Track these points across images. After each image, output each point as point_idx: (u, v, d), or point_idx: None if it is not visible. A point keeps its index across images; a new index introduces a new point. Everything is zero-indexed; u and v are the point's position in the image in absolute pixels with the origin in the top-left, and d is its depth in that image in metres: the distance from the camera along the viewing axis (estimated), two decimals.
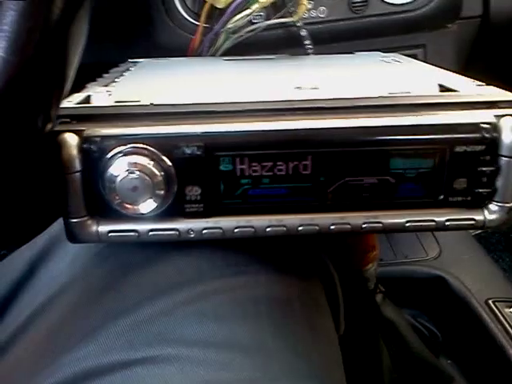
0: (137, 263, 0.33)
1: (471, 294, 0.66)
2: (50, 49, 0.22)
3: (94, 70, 0.37)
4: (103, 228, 0.29)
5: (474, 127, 0.29)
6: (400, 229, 0.31)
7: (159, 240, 0.30)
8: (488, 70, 0.60)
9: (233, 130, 0.28)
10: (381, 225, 0.30)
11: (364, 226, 0.30)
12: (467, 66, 0.57)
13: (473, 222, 0.31)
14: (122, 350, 0.29)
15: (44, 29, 0.21)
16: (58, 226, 0.36)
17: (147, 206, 0.28)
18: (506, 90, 0.32)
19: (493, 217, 0.31)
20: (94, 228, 0.29)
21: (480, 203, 0.30)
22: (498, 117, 0.29)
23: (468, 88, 0.32)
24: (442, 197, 0.30)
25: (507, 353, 0.59)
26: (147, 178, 0.27)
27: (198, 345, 0.29)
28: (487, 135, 0.29)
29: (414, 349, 0.59)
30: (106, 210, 0.29)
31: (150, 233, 0.30)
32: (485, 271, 0.72)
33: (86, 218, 0.29)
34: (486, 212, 0.31)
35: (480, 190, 0.30)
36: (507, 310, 0.64)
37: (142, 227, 0.29)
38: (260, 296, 0.33)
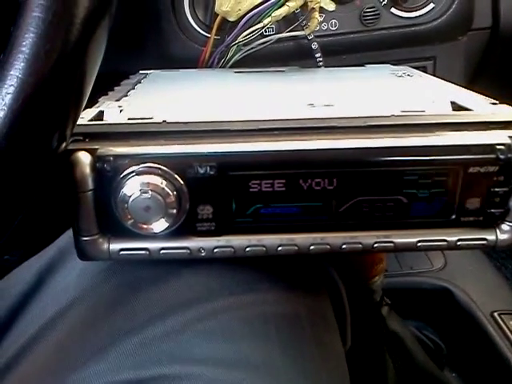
0: (146, 279, 0.33)
1: (477, 306, 0.65)
2: (67, 69, 0.22)
3: (105, 80, 0.37)
4: (114, 246, 0.29)
5: (489, 148, 0.29)
6: (411, 248, 0.31)
7: (170, 258, 0.30)
8: (497, 82, 0.59)
9: (246, 149, 0.28)
10: (392, 244, 0.30)
11: (375, 245, 0.30)
12: (476, 78, 0.57)
13: (484, 242, 0.31)
14: (131, 369, 0.29)
15: (62, 50, 0.21)
16: (66, 237, 0.36)
17: (159, 225, 0.28)
18: None
19: (504, 236, 0.30)
20: (105, 246, 0.29)
21: (492, 223, 0.30)
22: None
23: (481, 107, 0.32)
24: (453, 216, 0.30)
25: None
26: (160, 197, 0.27)
27: (208, 363, 0.29)
28: (502, 156, 0.29)
29: (419, 362, 0.59)
30: (117, 229, 0.29)
31: (162, 251, 0.29)
32: (490, 283, 0.71)
33: (97, 236, 0.29)
34: (497, 232, 0.30)
35: (492, 210, 0.30)
36: None
37: (154, 245, 0.29)
38: (269, 313, 0.32)
